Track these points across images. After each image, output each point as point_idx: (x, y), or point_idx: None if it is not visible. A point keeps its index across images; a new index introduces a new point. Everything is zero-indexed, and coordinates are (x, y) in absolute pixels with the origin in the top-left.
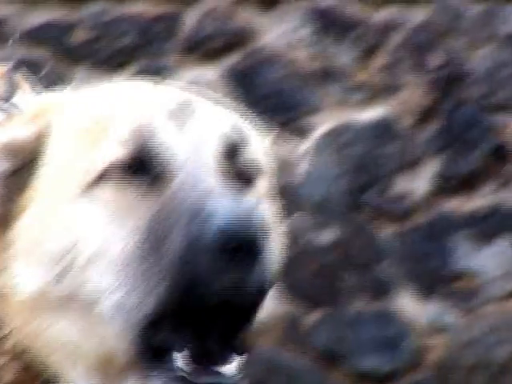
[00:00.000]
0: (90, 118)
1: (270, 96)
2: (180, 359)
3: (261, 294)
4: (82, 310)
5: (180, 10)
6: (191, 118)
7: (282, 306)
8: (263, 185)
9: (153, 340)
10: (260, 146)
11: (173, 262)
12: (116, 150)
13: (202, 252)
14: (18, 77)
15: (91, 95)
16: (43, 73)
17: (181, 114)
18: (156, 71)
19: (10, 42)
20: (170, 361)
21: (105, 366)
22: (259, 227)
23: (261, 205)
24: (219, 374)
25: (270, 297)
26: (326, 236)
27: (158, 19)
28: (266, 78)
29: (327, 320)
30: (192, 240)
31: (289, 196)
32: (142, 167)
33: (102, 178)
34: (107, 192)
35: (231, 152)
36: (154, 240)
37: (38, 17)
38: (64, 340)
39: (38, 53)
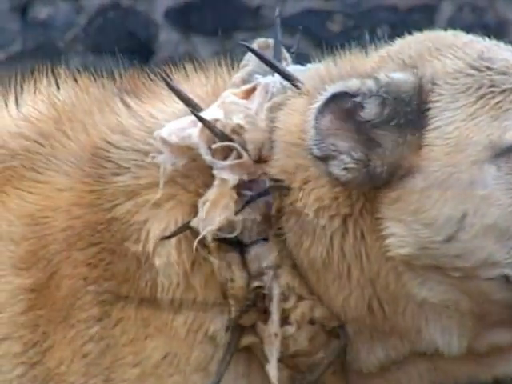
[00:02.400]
0: (486, 85)
1: None
2: None
3: None
4: (461, 273)
5: (437, 1)
6: None
7: None
8: None
9: None
10: None
11: None
12: None
13: None
14: (282, 50)
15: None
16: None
17: None
18: None
19: (276, 24)
20: None
21: (475, 322)
22: None
23: None
24: None
25: None
26: None
27: (414, 9)
28: None
29: None
30: None
31: None
32: None
33: None
34: None
35: None
36: None
37: (296, 5)
38: (437, 296)
39: (294, 40)
